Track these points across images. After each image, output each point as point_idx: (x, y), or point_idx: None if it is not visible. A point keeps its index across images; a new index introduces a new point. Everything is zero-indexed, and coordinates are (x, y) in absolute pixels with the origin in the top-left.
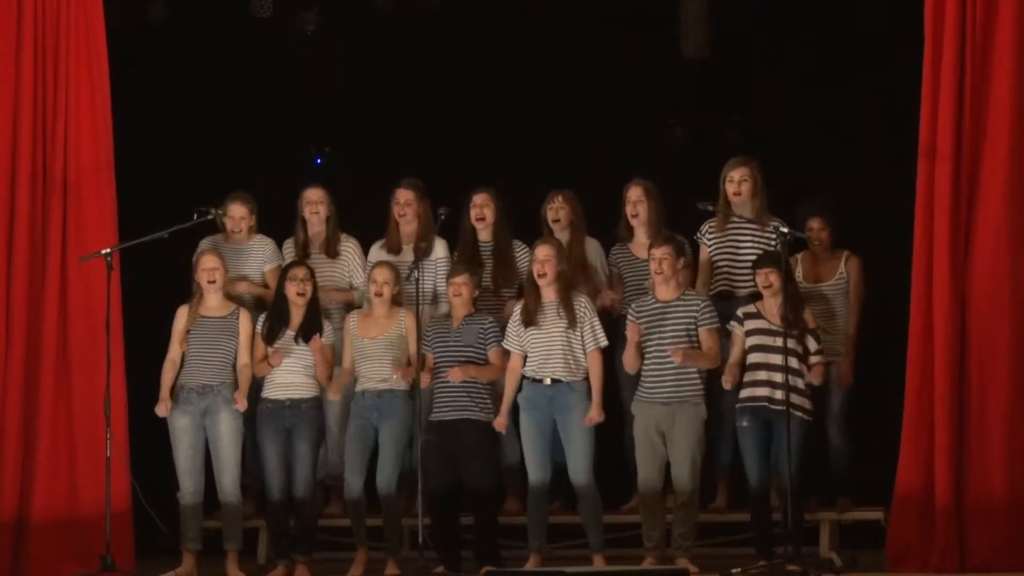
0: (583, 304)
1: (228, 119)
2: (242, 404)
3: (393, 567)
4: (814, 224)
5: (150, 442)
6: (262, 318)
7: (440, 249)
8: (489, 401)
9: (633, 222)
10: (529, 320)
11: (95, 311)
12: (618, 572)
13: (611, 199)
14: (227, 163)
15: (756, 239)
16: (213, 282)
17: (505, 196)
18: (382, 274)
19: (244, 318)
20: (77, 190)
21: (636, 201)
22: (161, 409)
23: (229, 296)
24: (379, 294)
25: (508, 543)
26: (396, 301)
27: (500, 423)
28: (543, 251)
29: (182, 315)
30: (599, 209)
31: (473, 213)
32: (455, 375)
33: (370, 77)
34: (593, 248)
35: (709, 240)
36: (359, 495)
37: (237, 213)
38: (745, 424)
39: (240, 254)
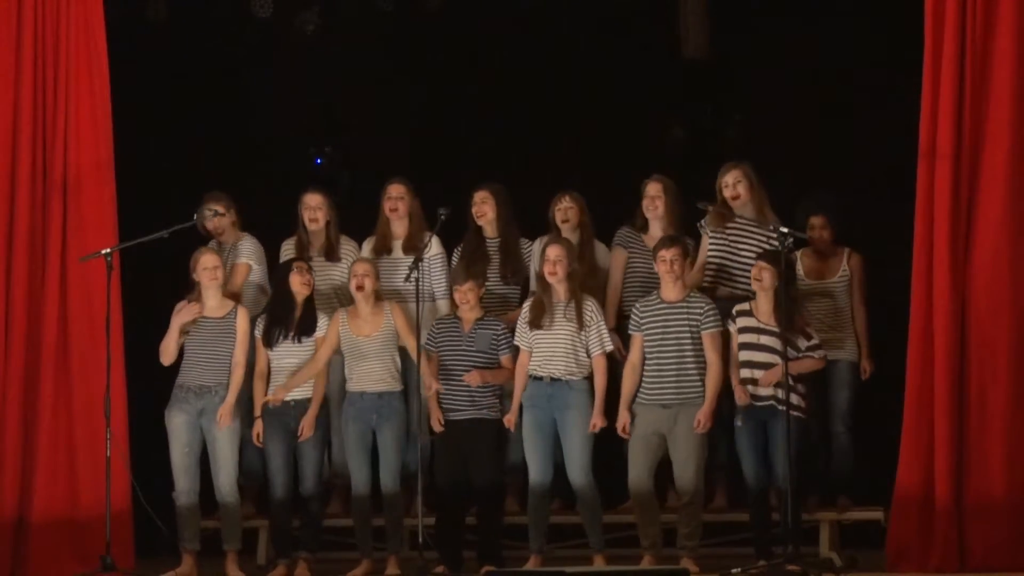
0: (591, 307)
1: (228, 119)
2: (225, 420)
3: (393, 567)
4: (816, 222)
5: (150, 442)
6: (259, 322)
7: (435, 245)
8: (497, 401)
9: (649, 215)
10: (536, 319)
11: (95, 311)
12: (618, 572)
13: (611, 199)
14: (227, 163)
15: (757, 240)
16: (215, 279)
17: (507, 193)
18: (362, 267)
19: (242, 316)
20: (77, 190)
21: (655, 196)
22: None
23: (227, 295)
24: (360, 287)
25: (508, 543)
26: (377, 296)
27: (510, 420)
28: (554, 251)
29: (181, 309)
30: (599, 209)
31: (474, 210)
32: (473, 380)
33: (370, 77)
34: (601, 252)
35: (712, 233)
36: (366, 502)
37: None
38: (740, 424)
39: (229, 253)
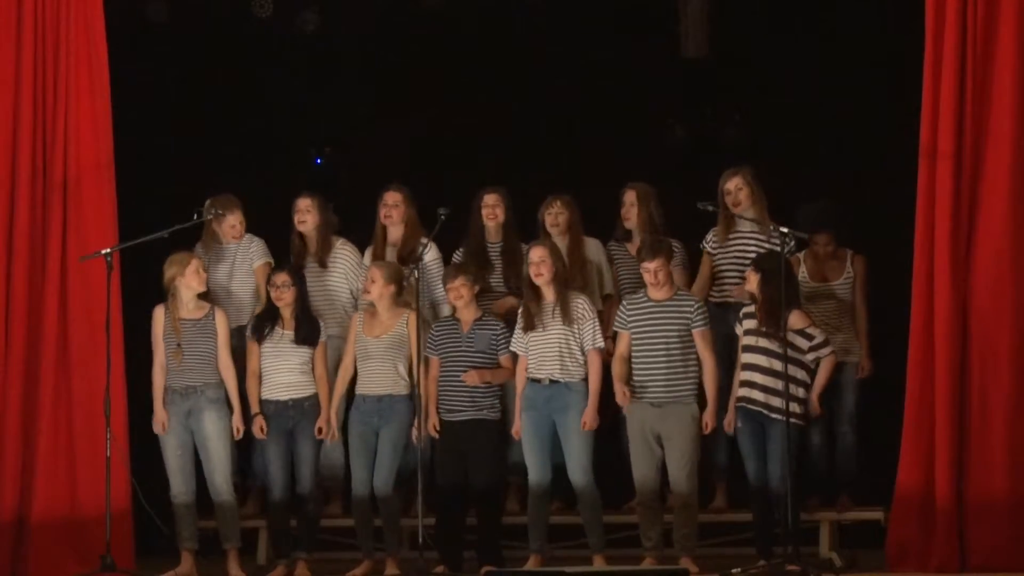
0: (581, 305)
1: (227, 119)
2: (238, 430)
3: (393, 567)
4: (820, 239)
5: (150, 442)
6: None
7: (432, 251)
8: (497, 401)
9: (627, 224)
10: (530, 323)
11: (95, 311)
12: (618, 572)
13: (612, 199)
14: (226, 163)
15: (762, 246)
16: (203, 280)
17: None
18: (397, 271)
19: (220, 318)
20: (77, 190)
21: (630, 204)
22: (158, 427)
23: (203, 296)
24: (366, 292)
25: (508, 543)
26: (399, 301)
27: (517, 430)
28: (537, 252)
29: (159, 317)
30: (599, 209)
31: (485, 213)
32: (471, 379)
33: (370, 77)
34: (594, 246)
35: (713, 250)
36: (366, 503)
37: (236, 219)
38: (740, 425)
39: (227, 253)
